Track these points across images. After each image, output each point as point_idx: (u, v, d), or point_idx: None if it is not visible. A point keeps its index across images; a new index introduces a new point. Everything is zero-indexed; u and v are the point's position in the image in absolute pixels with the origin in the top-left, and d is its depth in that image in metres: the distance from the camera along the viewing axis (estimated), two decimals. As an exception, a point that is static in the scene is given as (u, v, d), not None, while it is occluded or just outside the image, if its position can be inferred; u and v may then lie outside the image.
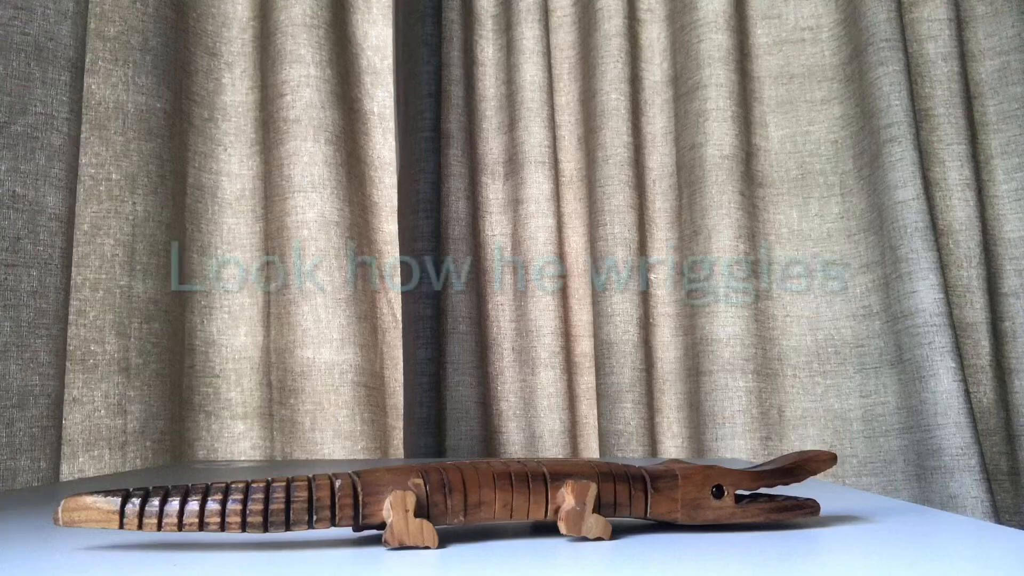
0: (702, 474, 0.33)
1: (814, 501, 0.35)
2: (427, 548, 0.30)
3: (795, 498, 0.34)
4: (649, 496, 0.33)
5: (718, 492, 0.33)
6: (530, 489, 0.31)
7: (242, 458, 0.95)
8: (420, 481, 0.30)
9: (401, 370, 0.98)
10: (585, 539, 0.31)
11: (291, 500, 0.29)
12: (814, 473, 0.35)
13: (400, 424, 0.97)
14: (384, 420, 0.97)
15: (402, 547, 0.30)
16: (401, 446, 0.96)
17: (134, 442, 0.80)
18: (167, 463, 0.84)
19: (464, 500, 0.31)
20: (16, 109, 0.66)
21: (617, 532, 0.32)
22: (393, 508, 0.30)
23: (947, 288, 0.91)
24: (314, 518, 0.30)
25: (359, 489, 0.30)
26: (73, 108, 0.70)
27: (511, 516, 0.31)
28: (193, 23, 0.98)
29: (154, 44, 0.86)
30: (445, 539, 0.31)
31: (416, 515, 0.30)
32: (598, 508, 0.31)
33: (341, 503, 0.30)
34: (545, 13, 1.06)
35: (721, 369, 0.95)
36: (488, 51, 1.08)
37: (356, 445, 0.91)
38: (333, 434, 0.91)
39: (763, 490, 0.35)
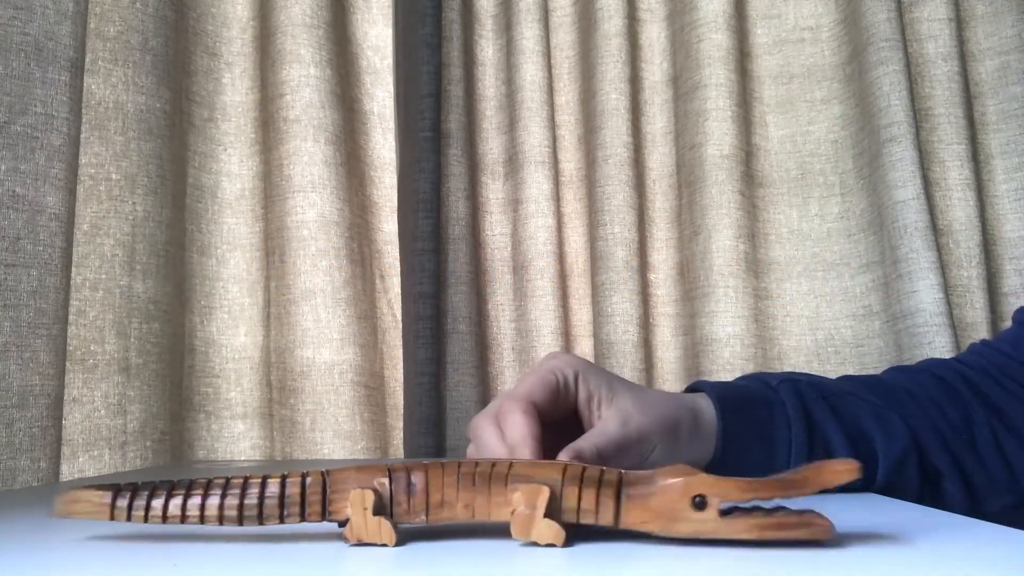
0: (682, 482, 0.30)
1: (821, 517, 0.29)
2: (385, 545, 0.31)
3: (797, 512, 0.29)
4: (621, 503, 0.30)
5: (700, 503, 0.30)
6: (491, 491, 0.31)
7: (242, 458, 0.95)
8: (385, 480, 0.31)
9: (401, 370, 0.98)
10: (537, 544, 0.31)
11: (264, 496, 0.31)
12: (826, 486, 0.29)
13: (400, 424, 0.97)
14: (384, 420, 0.97)
15: (361, 543, 0.31)
16: (401, 446, 0.96)
17: (134, 442, 0.80)
18: (167, 463, 0.84)
19: (427, 500, 0.31)
20: (16, 109, 0.66)
21: (582, 539, 0.31)
22: (352, 506, 0.31)
23: (947, 288, 0.91)
24: (284, 513, 0.31)
25: (328, 487, 0.31)
26: (73, 108, 0.70)
27: (473, 517, 0.31)
28: (193, 23, 0.98)
29: (154, 44, 0.86)
30: (409, 538, 0.32)
31: (376, 513, 0.31)
32: (558, 513, 0.30)
33: (310, 499, 0.31)
34: (545, 13, 1.06)
35: (721, 369, 0.95)
36: (488, 51, 1.08)
37: (356, 445, 0.91)
38: (333, 434, 0.91)
39: (758, 503, 0.30)
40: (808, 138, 1.04)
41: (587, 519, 0.31)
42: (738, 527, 0.29)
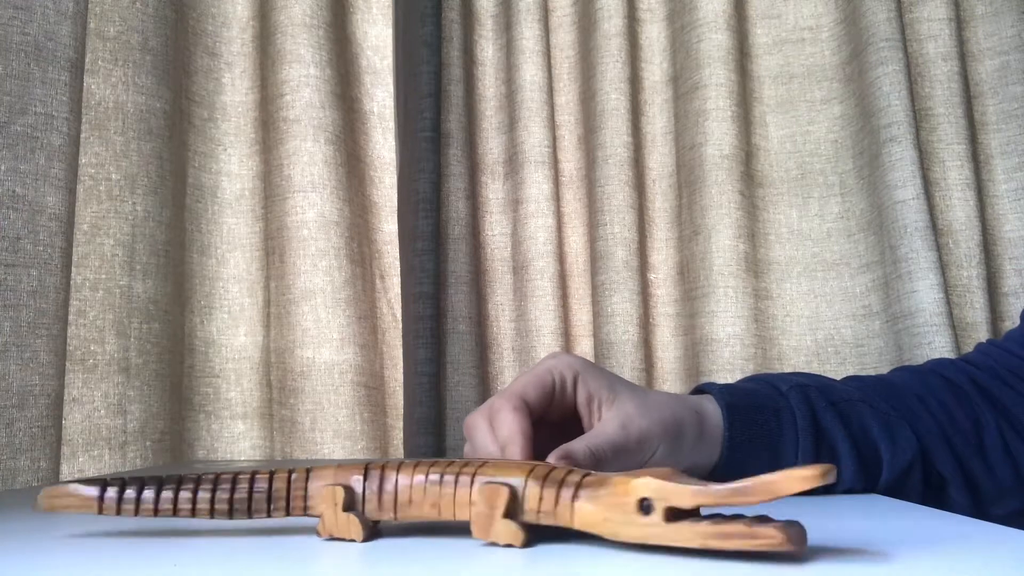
0: (634, 484, 0.28)
1: (776, 529, 0.26)
2: (353, 541, 0.32)
3: (755, 519, 0.27)
4: (575, 505, 0.30)
5: (647, 507, 0.28)
6: (457, 490, 0.32)
7: (242, 458, 0.95)
8: (360, 477, 0.33)
9: (401, 370, 0.98)
10: (496, 544, 0.31)
11: (253, 491, 0.33)
12: (783, 493, 0.26)
13: (400, 424, 0.97)
14: (384, 420, 0.97)
15: (332, 538, 0.32)
16: (401, 446, 0.96)
17: (134, 442, 0.80)
18: (167, 463, 0.84)
19: (395, 498, 0.32)
20: (16, 109, 0.66)
21: (545, 541, 0.31)
22: (324, 502, 0.32)
23: (947, 288, 0.91)
24: (271, 507, 0.33)
25: (308, 483, 0.33)
26: (73, 108, 0.70)
27: (439, 515, 0.32)
28: (193, 23, 0.98)
29: (154, 44, 0.86)
30: (383, 534, 0.33)
31: (347, 509, 0.32)
32: (518, 513, 0.30)
33: (294, 495, 0.33)
34: (545, 13, 1.06)
35: (721, 369, 0.95)
36: (488, 51, 1.08)
37: (356, 445, 0.91)
38: (333, 434, 0.91)
39: (720, 510, 0.28)
40: (808, 138, 1.04)
41: (547, 520, 0.30)
42: (683, 534, 0.27)
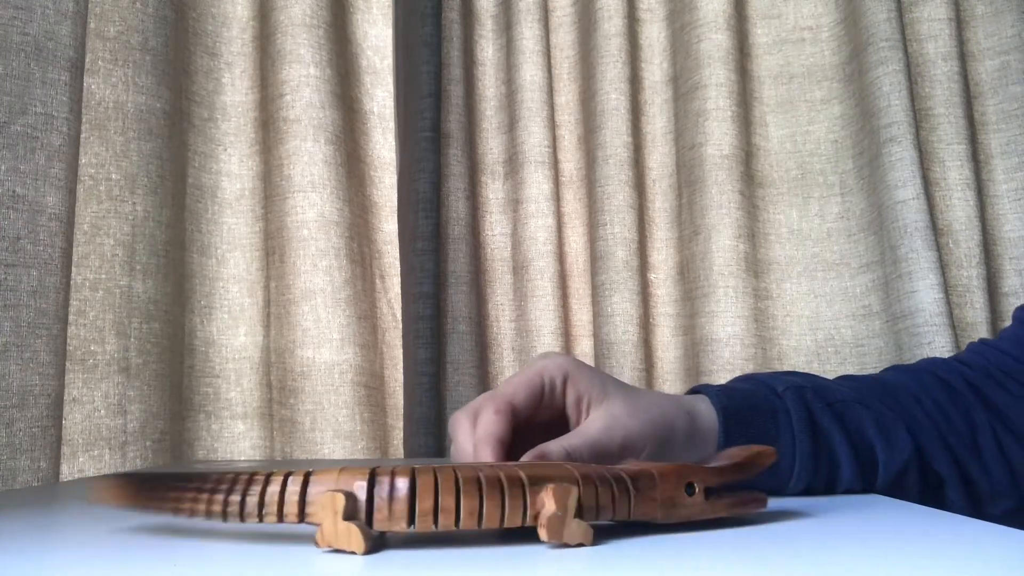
0: (676, 473, 0.34)
1: (761, 493, 0.37)
2: (354, 553, 0.29)
3: (748, 491, 0.36)
4: (632, 497, 0.32)
5: (690, 489, 0.34)
6: (505, 495, 0.30)
7: (242, 458, 0.95)
8: (363, 483, 0.29)
9: (401, 370, 0.98)
10: (566, 545, 0.30)
11: (247, 494, 0.30)
12: (763, 467, 0.37)
13: (400, 424, 0.97)
14: (384, 420, 0.97)
15: (332, 549, 0.29)
16: (401, 446, 0.96)
17: (134, 442, 0.80)
18: (167, 463, 0.84)
19: (410, 506, 0.29)
20: (16, 109, 0.66)
21: (595, 536, 0.31)
22: (323, 509, 0.29)
23: (947, 288, 0.91)
24: (264, 512, 0.30)
25: (308, 488, 0.30)
26: (73, 108, 0.70)
27: (480, 524, 0.29)
28: (193, 23, 0.98)
29: (154, 44, 0.86)
30: (392, 545, 0.31)
31: (348, 518, 0.29)
32: (580, 513, 0.30)
33: (288, 500, 0.30)
34: (545, 13, 1.06)
35: (721, 369, 0.95)
36: (488, 51, 1.08)
37: (356, 445, 0.91)
38: (333, 434, 0.91)
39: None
40: (808, 138, 1.04)
41: (605, 516, 0.32)
42: (718, 507, 0.35)
